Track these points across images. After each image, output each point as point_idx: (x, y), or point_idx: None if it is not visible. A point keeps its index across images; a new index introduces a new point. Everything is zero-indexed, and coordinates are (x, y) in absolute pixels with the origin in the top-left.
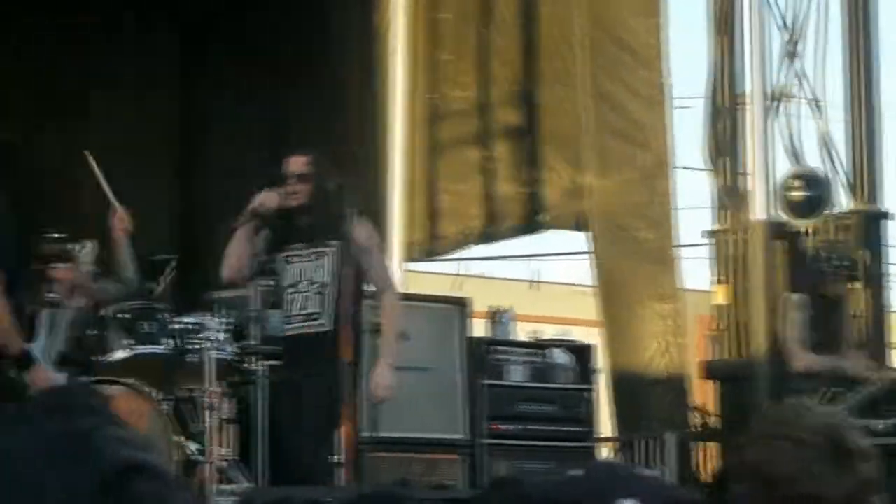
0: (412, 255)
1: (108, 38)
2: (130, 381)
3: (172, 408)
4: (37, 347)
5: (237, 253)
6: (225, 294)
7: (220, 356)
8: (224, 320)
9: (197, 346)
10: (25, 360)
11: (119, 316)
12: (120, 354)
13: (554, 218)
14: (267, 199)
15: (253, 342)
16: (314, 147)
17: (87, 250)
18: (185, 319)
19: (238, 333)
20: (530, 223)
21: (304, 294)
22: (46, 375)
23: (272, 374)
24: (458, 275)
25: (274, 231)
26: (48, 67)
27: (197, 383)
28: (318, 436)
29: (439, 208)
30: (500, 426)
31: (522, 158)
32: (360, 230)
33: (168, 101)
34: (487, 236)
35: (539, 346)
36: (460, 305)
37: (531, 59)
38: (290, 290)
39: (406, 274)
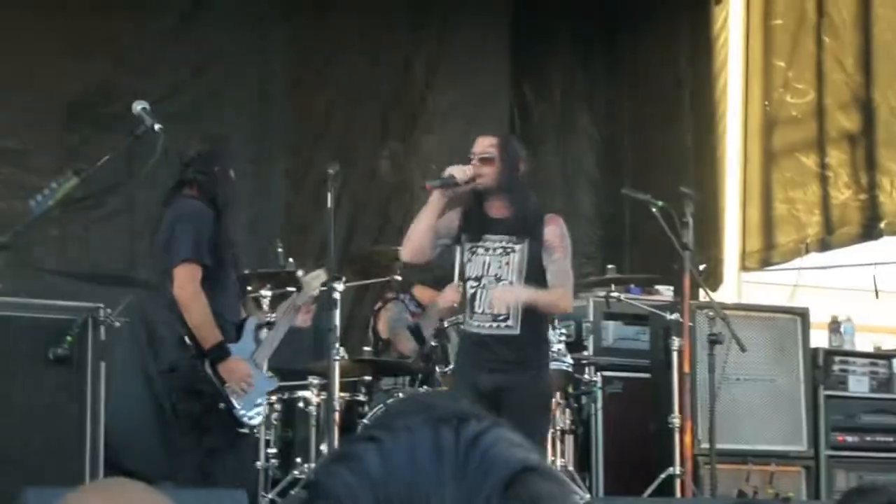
0: (748, 264)
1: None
2: None
3: None
4: (240, 349)
5: (422, 230)
6: None
7: (557, 367)
8: (561, 331)
9: None
10: (218, 353)
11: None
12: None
13: (893, 224)
14: (459, 171)
15: (589, 353)
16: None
17: (314, 277)
18: None
19: (574, 344)
20: (869, 230)
21: (489, 290)
22: (240, 368)
23: (606, 385)
24: (795, 285)
25: (464, 216)
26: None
27: None
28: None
29: (775, 217)
30: (844, 438)
31: (859, 164)
32: (553, 228)
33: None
34: (825, 244)
35: (883, 356)
36: (800, 315)
37: (867, 62)
38: (473, 284)
39: (743, 284)
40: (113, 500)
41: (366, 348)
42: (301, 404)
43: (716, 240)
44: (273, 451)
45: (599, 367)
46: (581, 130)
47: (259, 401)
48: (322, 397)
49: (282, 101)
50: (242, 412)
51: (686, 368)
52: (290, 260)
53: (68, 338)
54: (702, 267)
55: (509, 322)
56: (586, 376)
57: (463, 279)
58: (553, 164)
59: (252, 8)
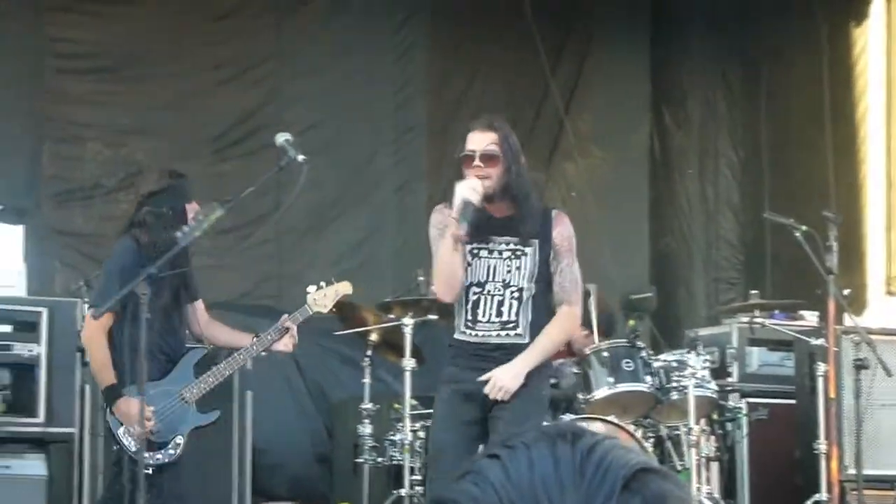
0: (893, 289)
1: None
2: (612, 418)
3: (655, 445)
4: (170, 382)
5: (457, 269)
6: (704, 332)
7: (702, 393)
8: (705, 357)
9: (679, 384)
10: (108, 395)
11: (602, 354)
12: (603, 392)
13: None
14: (470, 192)
15: (733, 379)
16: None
17: (327, 295)
18: (667, 357)
19: (718, 371)
20: None
21: (497, 297)
22: (129, 409)
23: (751, 412)
24: None
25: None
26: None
27: (680, 420)
28: None
29: None
30: None
31: None
32: (562, 230)
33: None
34: None
35: None
36: None
37: None
38: (476, 290)
39: (887, 309)
40: None
41: None
42: None
43: (859, 265)
44: (417, 478)
45: (744, 394)
46: (721, 156)
47: (177, 438)
48: None
49: (421, 131)
50: (139, 451)
51: (832, 394)
52: (432, 288)
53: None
54: (846, 292)
55: (519, 330)
56: (731, 403)
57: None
58: (693, 190)
59: (392, 39)
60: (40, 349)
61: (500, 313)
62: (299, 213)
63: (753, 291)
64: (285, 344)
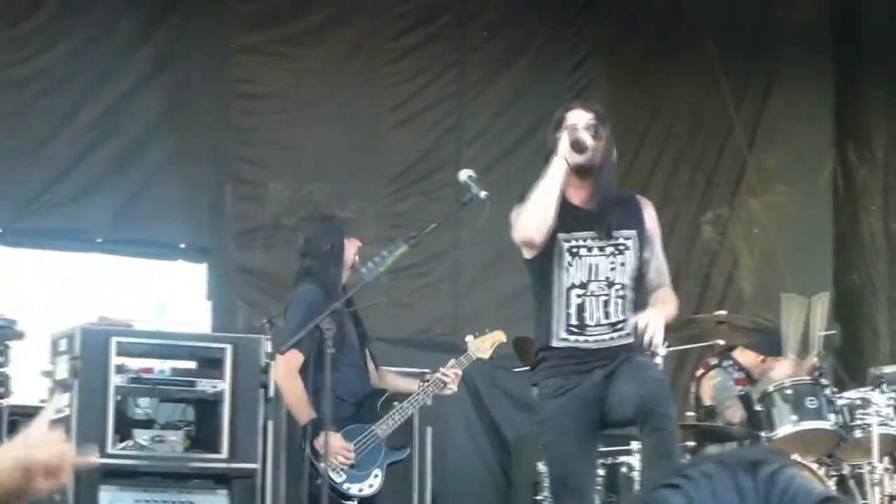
0: None
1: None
2: (796, 456)
3: (838, 483)
4: (357, 423)
5: (552, 201)
6: (889, 369)
7: (886, 431)
8: (890, 395)
9: (863, 422)
10: (316, 427)
11: (786, 391)
12: (786, 429)
13: None
14: (586, 136)
15: None
16: None
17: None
18: (851, 395)
19: None
20: None
21: (601, 297)
22: (332, 443)
23: None
24: None
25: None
26: None
27: (863, 458)
28: None
29: None
30: None
31: None
32: (652, 213)
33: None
34: None
35: None
36: None
37: None
38: (578, 292)
39: None
40: None
41: (688, 413)
42: (624, 469)
43: None
44: None
45: None
46: None
47: (375, 472)
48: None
49: None
50: (345, 485)
51: None
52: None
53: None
54: None
55: (627, 330)
56: None
57: (554, 285)
58: (877, 227)
59: (569, 78)
60: (224, 385)
61: (607, 315)
62: (478, 252)
63: None
64: (450, 388)
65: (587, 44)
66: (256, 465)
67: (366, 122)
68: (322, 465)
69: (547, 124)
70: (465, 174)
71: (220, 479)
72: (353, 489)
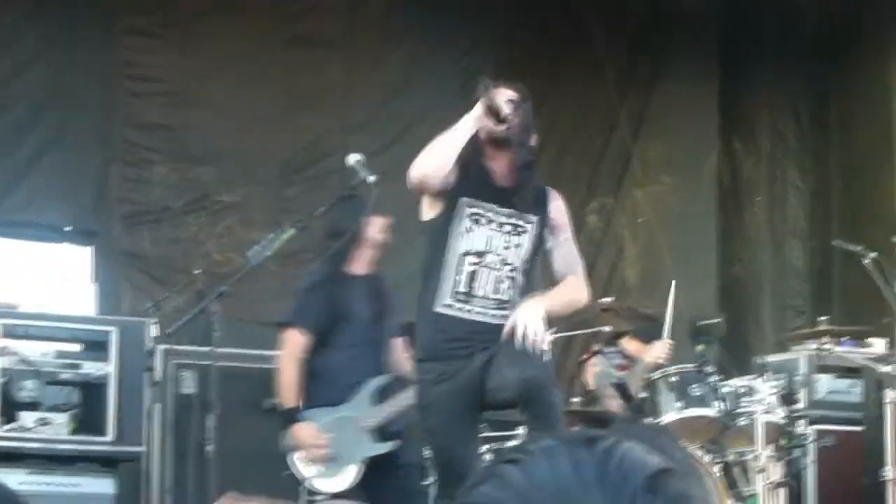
0: None
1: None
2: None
3: (722, 470)
4: (349, 409)
5: (454, 148)
6: (772, 358)
7: (769, 419)
8: (773, 383)
9: (747, 409)
10: (285, 419)
11: (671, 379)
12: (671, 416)
13: None
14: (506, 103)
15: (801, 406)
16: None
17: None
18: (735, 383)
19: (787, 397)
20: None
21: (494, 272)
22: (302, 434)
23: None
24: None
25: (462, 169)
26: None
27: (747, 446)
28: None
29: None
30: None
31: None
32: (559, 205)
33: (708, 169)
34: None
35: None
36: None
37: None
38: (473, 261)
39: None
40: None
41: (573, 399)
42: None
43: None
44: None
45: (812, 421)
46: (789, 184)
47: (349, 466)
48: None
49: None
50: (314, 479)
51: None
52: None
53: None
54: None
55: (509, 311)
56: (799, 429)
57: (447, 248)
58: (761, 218)
59: (455, 67)
60: (110, 368)
61: (497, 290)
62: None
63: (822, 318)
64: None
65: (476, 32)
66: (142, 449)
67: (255, 106)
68: (291, 457)
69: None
70: (353, 158)
71: (106, 462)
72: (323, 486)
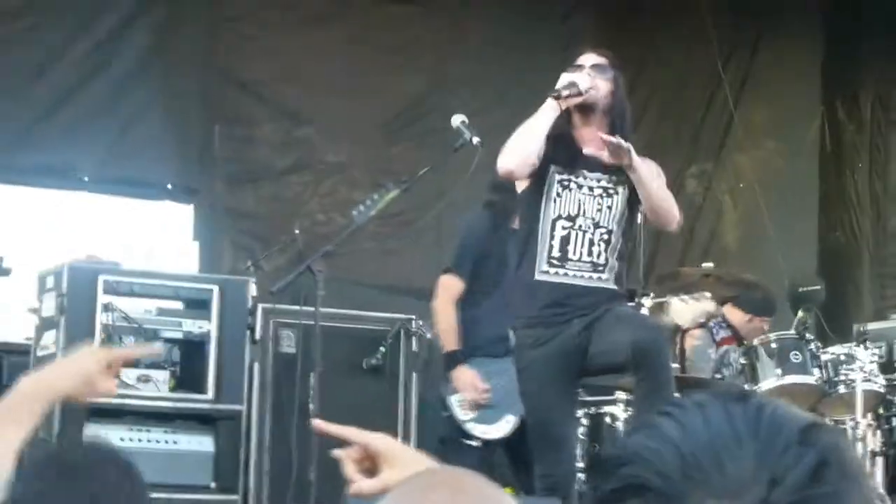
0: None
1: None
2: None
3: None
4: (503, 363)
5: (538, 137)
6: (873, 326)
7: (869, 388)
8: (873, 351)
9: (847, 378)
10: (448, 362)
11: (770, 345)
12: (770, 383)
13: None
14: (580, 77)
15: None
16: None
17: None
18: (836, 350)
19: (887, 365)
20: None
21: (587, 234)
22: (465, 379)
23: None
24: None
25: (551, 142)
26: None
27: (846, 414)
28: None
29: None
30: None
31: None
32: (649, 163)
33: (811, 135)
34: None
35: None
36: None
37: None
38: (566, 224)
39: None
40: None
41: (673, 365)
42: (608, 419)
43: None
44: (580, 465)
45: None
46: (892, 150)
47: (507, 417)
48: (629, 413)
49: None
50: (469, 422)
51: None
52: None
53: (382, 348)
54: None
55: (607, 275)
56: None
57: (541, 216)
58: (863, 185)
59: (556, 29)
60: (210, 326)
61: (591, 252)
62: (464, 201)
63: None
64: None
65: None
66: (241, 407)
67: (356, 66)
68: (450, 399)
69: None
70: (457, 119)
71: (204, 420)
72: (477, 430)
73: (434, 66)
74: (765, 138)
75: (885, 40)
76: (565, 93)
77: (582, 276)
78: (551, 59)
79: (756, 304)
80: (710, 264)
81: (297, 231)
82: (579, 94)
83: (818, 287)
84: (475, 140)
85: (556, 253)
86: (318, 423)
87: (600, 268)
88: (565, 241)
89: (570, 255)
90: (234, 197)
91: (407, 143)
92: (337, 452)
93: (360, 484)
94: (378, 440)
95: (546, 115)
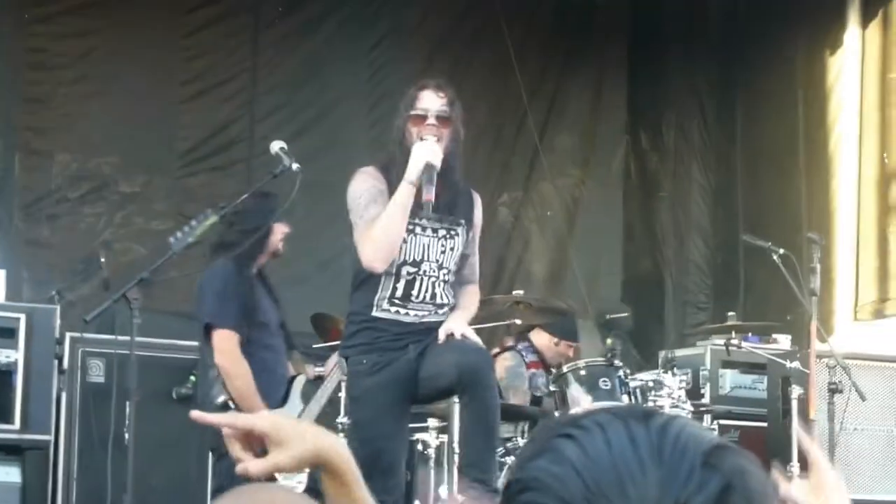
0: (861, 315)
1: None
2: None
3: None
4: (288, 410)
5: (398, 235)
6: (680, 352)
7: (678, 413)
8: (682, 377)
9: (655, 404)
10: None
11: (580, 372)
12: (580, 410)
13: None
14: (432, 154)
15: (706, 401)
16: None
17: None
18: (644, 377)
19: (691, 392)
20: None
21: (430, 278)
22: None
23: (722, 434)
24: None
25: (392, 184)
26: None
27: None
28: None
29: (891, 269)
30: None
31: None
32: (480, 212)
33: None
34: None
35: None
36: None
37: None
38: (410, 269)
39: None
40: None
41: None
42: (420, 447)
43: (827, 291)
44: None
45: (716, 416)
46: (693, 181)
47: None
48: (441, 440)
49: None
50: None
51: (812, 415)
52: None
53: (192, 377)
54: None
55: (445, 310)
56: (703, 424)
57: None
58: (665, 214)
59: (366, 58)
60: (17, 355)
61: (434, 295)
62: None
63: (731, 313)
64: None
65: (386, 22)
66: (49, 437)
67: (157, 96)
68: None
69: (400, 100)
70: (276, 145)
71: (11, 451)
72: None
73: (237, 94)
74: (570, 166)
75: (686, 70)
76: (425, 177)
77: (423, 315)
78: (360, 87)
79: (562, 329)
80: (521, 291)
81: (102, 259)
82: (436, 169)
83: (625, 314)
84: (295, 166)
85: (399, 294)
86: (196, 414)
87: (442, 307)
88: (409, 285)
89: (413, 298)
90: (31, 227)
91: (209, 172)
92: (226, 432)
93: (248, 464)
94: (263, 421)
95: (405, 204)
